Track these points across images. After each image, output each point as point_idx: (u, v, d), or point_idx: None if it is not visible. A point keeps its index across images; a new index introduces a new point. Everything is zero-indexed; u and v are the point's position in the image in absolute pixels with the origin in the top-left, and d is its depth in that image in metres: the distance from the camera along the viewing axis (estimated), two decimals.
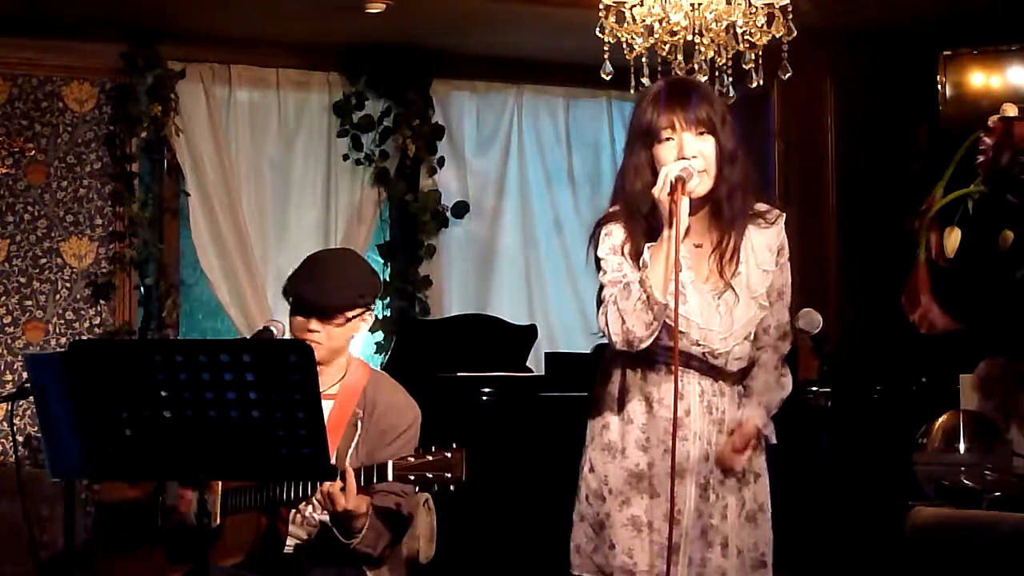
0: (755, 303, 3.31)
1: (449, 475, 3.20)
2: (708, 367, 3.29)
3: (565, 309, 7.02)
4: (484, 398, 5.58)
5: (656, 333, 3.18)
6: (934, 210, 4.40)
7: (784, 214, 3.39)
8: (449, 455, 3.20)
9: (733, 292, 3.29)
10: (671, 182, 3.13)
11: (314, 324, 3.50)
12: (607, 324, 3.19)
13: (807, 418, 5.33)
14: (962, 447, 4.27)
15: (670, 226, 3.13)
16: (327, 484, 3.29)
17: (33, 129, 6.26)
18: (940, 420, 4.37)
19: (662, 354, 3.27)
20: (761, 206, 3.35)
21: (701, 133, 3.23)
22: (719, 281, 3.29)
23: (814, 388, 5.40)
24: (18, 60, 6.22)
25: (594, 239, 3.31)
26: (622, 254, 3.25)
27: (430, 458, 3.21)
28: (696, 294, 3.25)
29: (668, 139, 3.23)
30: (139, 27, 6.27)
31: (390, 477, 3.24)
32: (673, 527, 3.22)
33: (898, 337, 5.14)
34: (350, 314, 3.52)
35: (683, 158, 3.18)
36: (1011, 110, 4.38)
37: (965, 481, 4.09)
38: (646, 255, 3.16)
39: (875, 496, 5.13)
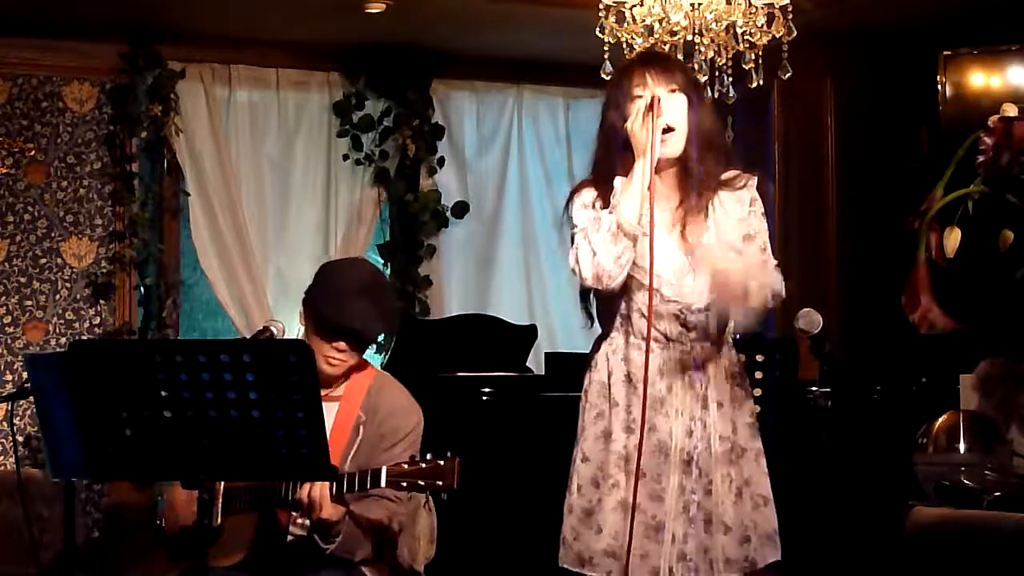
0: (731, 251, 3.28)
1: (441, 483, 3.22)
2: (688, 328, 3.28)
3: (565, 309, 7.01)
4: (484, 398, 5.58)
5: (625, 270, 3.17)
6: (934, 210, 4.40)
7: (755, 177, 3.37)
8: (442, 463, 3.22)
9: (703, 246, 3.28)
10: (645, 104, 3.16)
11: (341, 346, 3.50)
12: (577, 261, 3.20)
13: (807, 418, 5.33)
14: (962, 447, 4.28)
15: (643, 155, 3.15)
16: (303, 491, 3.30)
17: (33, 129, 6.26)
18: (940, 420, 4.37)
19: (641, 330, 3.27)
20: (730, 173, 3.35)
21: (673, 90, 3.25)
22: (687, 242, 3.28)
23: (814, 388, 5.40)
24: (18, 60, 6.22)
25: (567, 207, 3.33)
26: (592, 208, 3.28)
27: (423, 466, 3.23)
28: (666, 252, 3.25)
29: (640, 96, 3.24)
30: (139, 27, 6.27)
31: (383, 483, 3.24)
32: (659, 506, 3.23)
33: (898, 337, 5.14)
34: (376, 341, 3.54)
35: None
36: (1011, 110, 4.37)
37: (965, 481, 4.09)
38: (617, 184, 3.17)
39: (875, 496, 5.13)
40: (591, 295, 3.41)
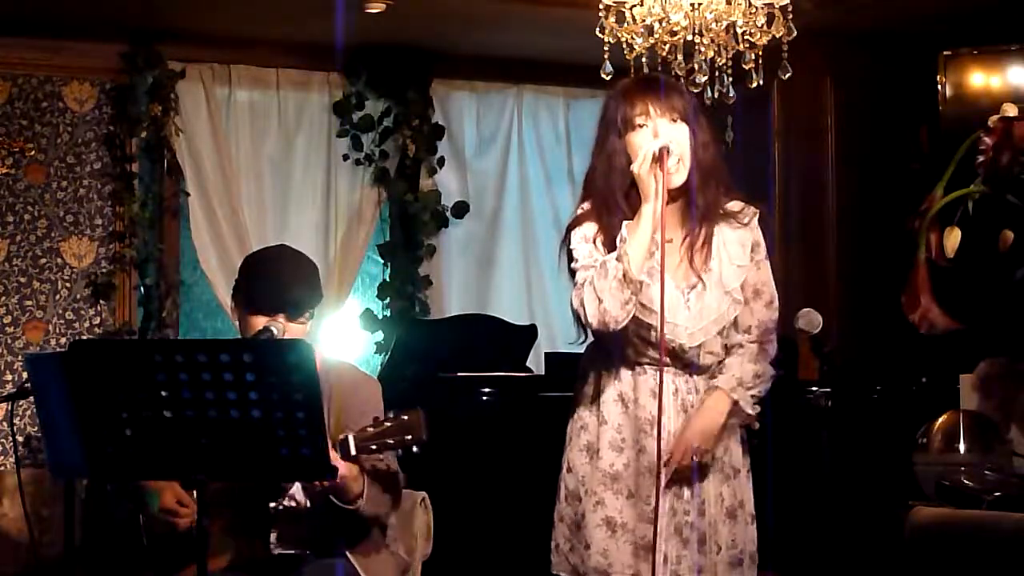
0: (728, 298, 3.28)
1: (410, 437, 3.17)
2: (683, 364, 3.29)
3: (565, 309, 6.95)
4: (484, 398, 5.58)
5: (631, 314, 3.16)
6: (934, 210, 4.40)
7: (759, 212, 3.35)
8: (406, 417, 3.17)
9: (703, 286, 3.26)
10: (653, 153, 3.13)
11: (279, 319, 3.46)
12: (582, 305, 3.18)
13: (807, 418, 5.33)
14: (962, 447, 4.28)
15: (648, 201, 3.13)
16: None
17: (33, 129, 6.26)
18: (940, 420, 4.37)
19: (637, 352, 3.28)
20: (735, 205, 3.32)
21: (675, 120, 3.23)
22: (690, 274, 3.27)
23: (814, 388, 5.40)
24: (18, 60, 6.22)
25: (566, 239, 3.31)
26: (593, 244, 3.25)
27: (388, 424, 3.18)
28: (668, 287, 3.23)
29: (642, 126, 3.22)
30: (139, 27, 6.27)
31: (353, 450, 3.21)
32: (648, 526, 3.23)
33: (898, 337, 5.14)
34: (310, 311, 3.50)
35: None
36: (1011, 110, 4.38)
37: (965, 481, 4.09)
38: (624, 231, 3.15)
39: (875, 496, 5.13)
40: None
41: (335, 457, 3.21)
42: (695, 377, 3.30)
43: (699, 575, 3.26)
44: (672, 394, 3.28)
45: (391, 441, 3.18)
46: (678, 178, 3.21)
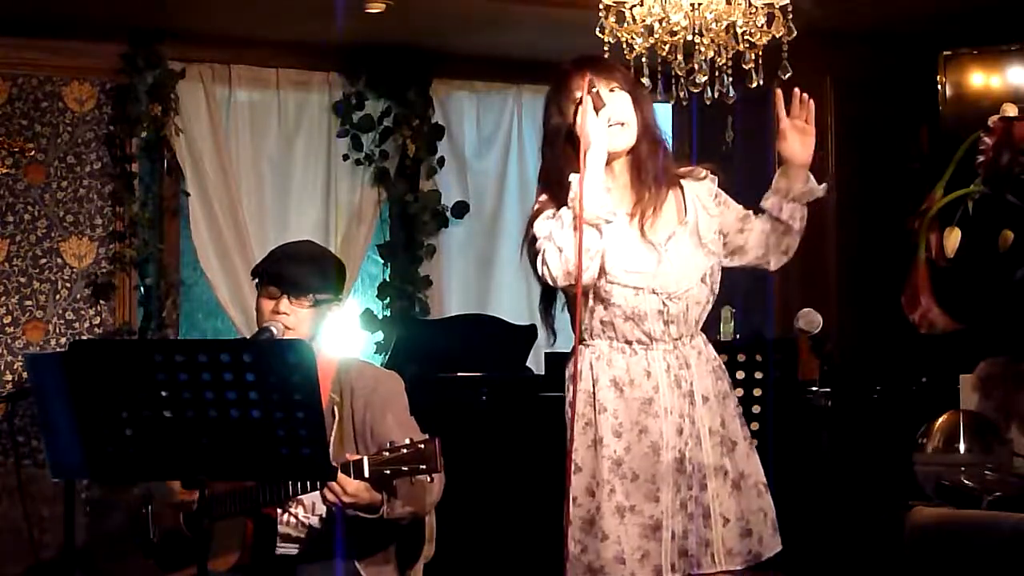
0: (703, 249, 3.35)
1: (424, 466, 3.17)
2: (671, 337, 3.31)
3: (564, 309, 7.00)
4: (484, 398, 5.58)
5: (597, 259, 3.21)
6: (934, 210, 4.41)
7: (709, 167, 3.45)
8: (423, 446, 3.18)
9: (679, 236, 3.32)
10: (586, 95, 3.21)
11: (283, 305, 3.47)
12: (545, 263, 3.24)
13: (807, 418, 5.33)
14: (962, 447, 4.28)
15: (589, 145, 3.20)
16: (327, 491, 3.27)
17: (33, 129, 6.26)
18: (940, 420, 4.38)
19: (624, 334, 3.30)
20: (686, 168, 3.43)
21: (613, 89, 3.31)
22: (661, 230, 3.32)
23: (814, 388, 5.40)
24: (18, 60, 6.22)
25: (527, 233, 3.37)
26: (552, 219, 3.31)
27: (404, 451, 3.18)
28: (632, 247, 3.28)
29: (583, 97, 3.27)
30: (139, 27, 6.27)
31: (366, 473, 3.21)
32: (655, 505, 3.24)
33: (898, 337, 5.14)
34: (319, 297, 3.49)
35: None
36: (1011, 110, 4.38)
37: (965, 481, 4.09)
38: (573, 180, 3.22)
39: (875, 496, 5.13)
40: (563, 308, 3.44)
41: (346, 479, 3.21)
42: (685, 347, 3.33)
43: (707, 548, 3.27)
44: (664, 371, 3.30)
45: (405, 468, 3.18)
46: (625, 140, 3.29)
